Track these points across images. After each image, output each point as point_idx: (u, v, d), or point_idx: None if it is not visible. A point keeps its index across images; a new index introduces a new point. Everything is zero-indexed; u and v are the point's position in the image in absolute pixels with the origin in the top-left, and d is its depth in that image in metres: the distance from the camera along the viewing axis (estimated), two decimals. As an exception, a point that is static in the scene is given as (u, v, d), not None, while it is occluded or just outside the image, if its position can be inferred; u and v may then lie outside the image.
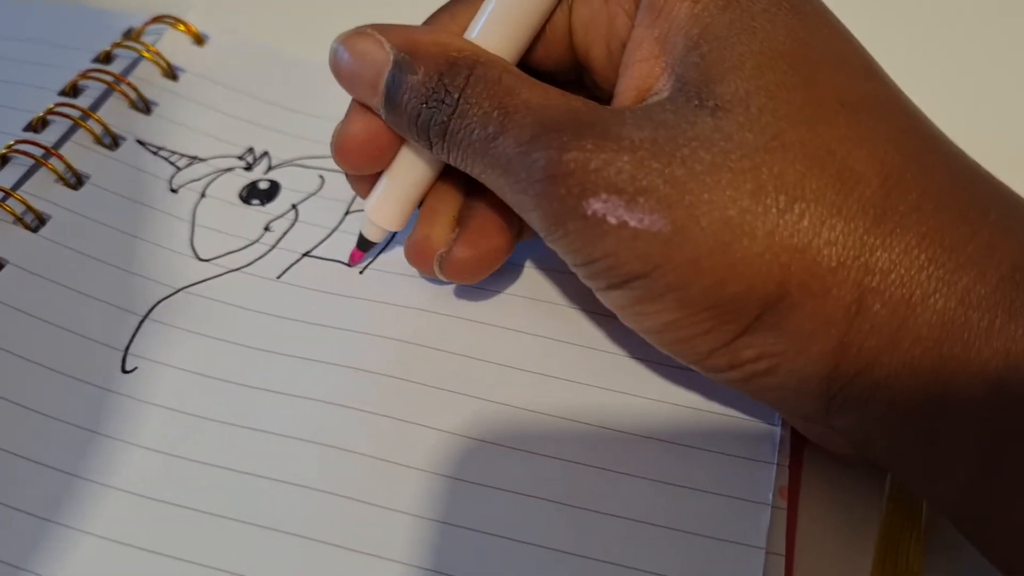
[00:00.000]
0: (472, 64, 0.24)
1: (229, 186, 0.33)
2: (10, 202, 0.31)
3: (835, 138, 0.22)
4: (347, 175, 0.29)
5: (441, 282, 0.30)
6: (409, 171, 0.27)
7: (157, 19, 0.37)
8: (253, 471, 0.26)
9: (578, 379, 0.28)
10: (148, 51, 0.36)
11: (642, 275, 0.22)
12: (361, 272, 0.31)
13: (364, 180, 0.28)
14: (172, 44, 0.37)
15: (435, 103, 0.24)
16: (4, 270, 0.29)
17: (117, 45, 0.36)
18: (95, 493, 0.25)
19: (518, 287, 0.31)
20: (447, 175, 0.28)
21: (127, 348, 0.28)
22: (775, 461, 0.26)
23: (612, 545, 0.25)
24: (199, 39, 0.38)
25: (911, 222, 0.21)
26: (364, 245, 0.30)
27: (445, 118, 0.24)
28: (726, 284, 0.22)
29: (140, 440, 0.26)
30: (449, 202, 0.28)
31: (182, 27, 0.37)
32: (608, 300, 0.25)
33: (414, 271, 0.31)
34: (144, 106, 0.35)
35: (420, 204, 0.29)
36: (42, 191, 0.32)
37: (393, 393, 0.28)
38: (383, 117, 0.26)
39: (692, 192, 0.21)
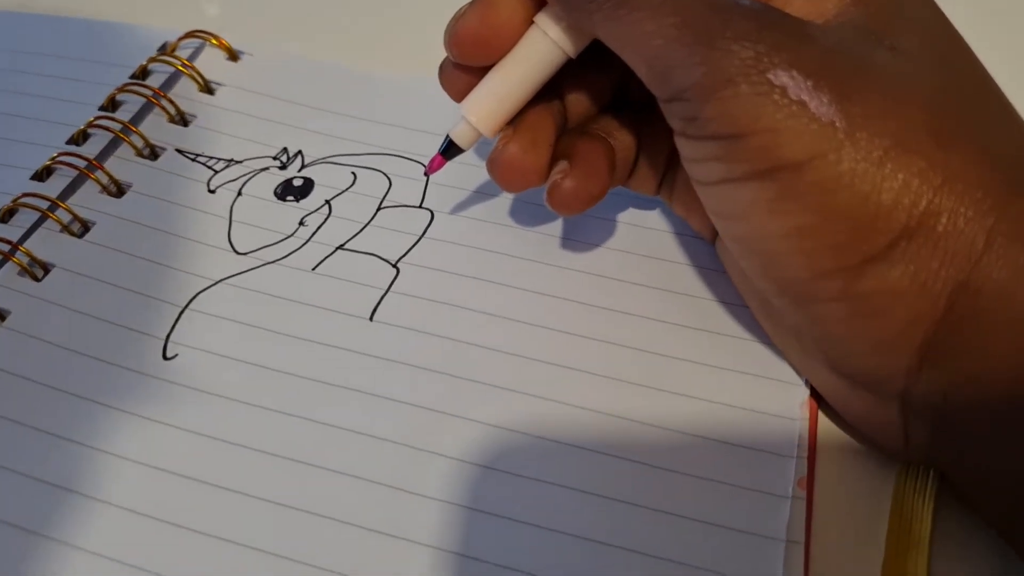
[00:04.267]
0: None
1: (264, 184, 0.34)
2: (58, 212, 0.32)
3: (983, 111, 0.24)
4: (443, 74, 0.28)
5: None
6: (518, 69, 0.27)
7: (190, 34, 0.39)
8: (287, 454, 0.26)
9: (615, 376, 0.28)
10: (185, 67, 0.37)
11: (795, 164, 0.22)
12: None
13: (460, 79, 0.28)
14: (208, 59, 0.38)
15: None
16: (52, 273, 0.31)
17: (153, 60, 0.37)
18: (140, 473, 0.26)
19: (554, 286, 0.31)
20: (544, 102, 0.28)
21: (168, 336, 0.29)
22: (795, 455, 0.27)
23: (639, 535, 0.25)
24: (233, 55, 0.39)
25: None
26: (450, 152, 0.29)
27: None
28: (879, 195, 0.22)
29: (181, 423, 0.27)
30: (547, 129, 0.28)
31: (215, 42, 0.39)
32: (737, 194, 0.24)
33: (452, 269, 0.31)
34: (182, 120, 0.36)
35: (511, 121, 0.28)
36: (87, 201, 0.33)
37: (427, 384, 0.28)
38: None
39: (870, 101, 0.22)
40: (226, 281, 0.31)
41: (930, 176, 0.22)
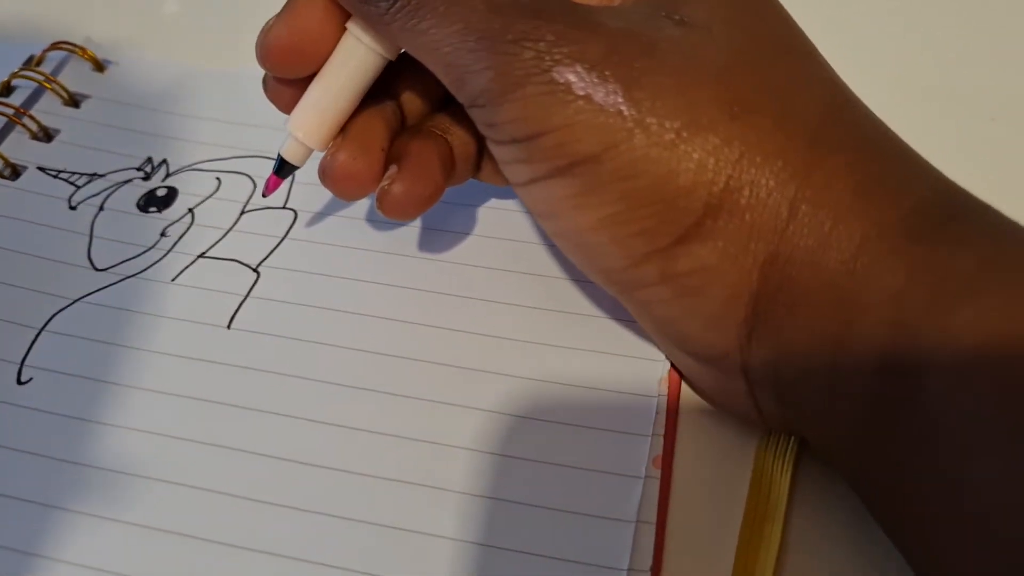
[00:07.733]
0: None
1: (127, 197, 0.33)
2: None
3: (781, 74, 0.24)
4: (268, 88, 0.28)
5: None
6: (338, 78, 0.26)
7: (55, 46, 0.38)
8: (152, 475, 0.26)
9: (475, 366, 0.28)
10: (48, 81, 0.37)
11: (592, 157, 0.22)
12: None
13: (285, 92, 0.27)
14: (73, 71, 0.38)
15: None
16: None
17: (15, 75, 0.37)
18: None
19: (407, 278, 0.31)
20: (375, 104, 0.27)
21: (23, 361, 0.29)
22: (650, 432, 0.27)
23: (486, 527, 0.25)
24: (99, 65, 0.38)
25: (842, 151, 0.23)
26: (283, 170, 0.28)
27: None
28: (676, 177, 0.22)
29: (38, 449, 0.27)
30: (378, 133, 0.27)
31: (80, 53, 0.38)
32: (545, 192, 0.24)
33: (312, 269, 0.31)
34: (45, 136, 0.36)
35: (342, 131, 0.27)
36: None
37: (288, 393, 0.28)
38: None
39: (658, 83, 0.22)
40: (84, 299, 0.30)
41: (725, 152, 0.22)
